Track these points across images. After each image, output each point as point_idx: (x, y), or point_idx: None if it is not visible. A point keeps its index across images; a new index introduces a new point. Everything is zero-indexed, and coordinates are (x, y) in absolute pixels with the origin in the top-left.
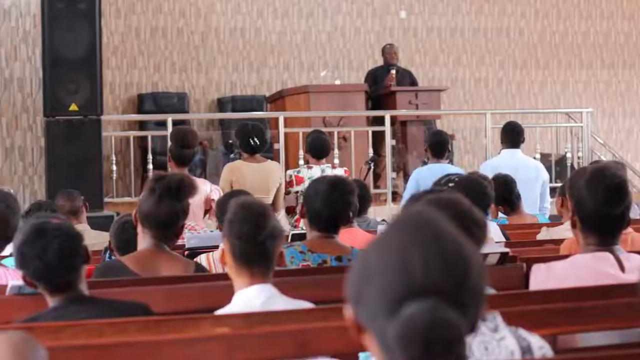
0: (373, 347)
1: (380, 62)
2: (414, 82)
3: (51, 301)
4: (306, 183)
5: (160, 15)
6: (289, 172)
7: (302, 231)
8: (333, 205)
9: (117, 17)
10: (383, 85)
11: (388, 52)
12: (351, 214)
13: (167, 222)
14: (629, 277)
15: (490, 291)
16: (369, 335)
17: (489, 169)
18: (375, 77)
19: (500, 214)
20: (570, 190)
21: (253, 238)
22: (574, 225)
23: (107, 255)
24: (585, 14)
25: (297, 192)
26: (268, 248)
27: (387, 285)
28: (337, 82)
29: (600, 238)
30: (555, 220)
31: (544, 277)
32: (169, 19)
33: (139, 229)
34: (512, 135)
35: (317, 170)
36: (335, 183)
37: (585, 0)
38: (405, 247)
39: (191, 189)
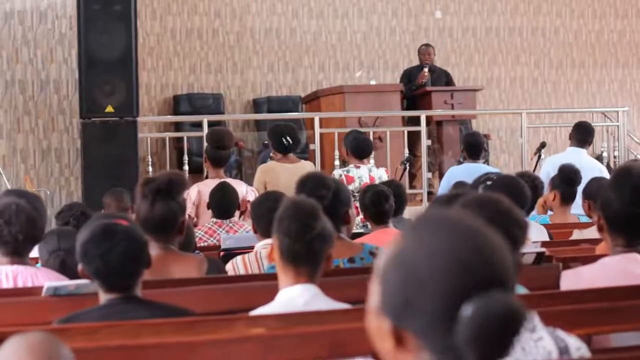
0: (417, 357)
1: (415, 61)
2: (449, 83)
3: (103, 298)
4: (357, 182)
5: (196, 16)
6: (338, 171)
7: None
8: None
9: (153, 18)
10: (415, 83)
11: (423, 52)
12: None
13: (164, 224)
14: None
15: (523, 290)
16: (414, 345)
17: (552, 165)
18: (409, 77)
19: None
20: (597, 193)
21: (301, 237)
22: (600, 229)
23: None
24: (621, 12)
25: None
26: (315, 248)
27: (449, 288)
28: (373, 82)
29: (628, 239)
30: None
31: (573, 282)
32: (205, 20)
33: None
34: (583, 134)
35: (364, 170)
36: (305, 180)
37: (621, 0)
38: (455, 245)
39: (182, 185)
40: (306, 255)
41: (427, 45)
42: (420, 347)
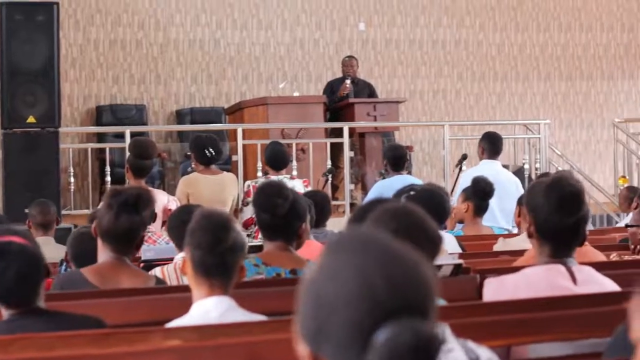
0: None
1: (339, 73)
2: (372, 95)
3: (5, 314)
4: None
5: (119, 27)
6: (248, 182)
7: (259, 243)
8: (268, 208)
9: (76, 29)
10: (337, 96)
11: (346, 64)
12: (304, 225)
13: (126, 237)
14: (581, 289)
15: (442, 302)
16: None
17: (468, 179)
18: (332, 88)
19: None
20: (528, 199)
21: (213, 249)
22: (530, 235)
23: (64, 267)
24: (543, 26)
25: None
26: (228, 260)
27: (357, 316)
28: (296, 93)
29: (554, 249)
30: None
31: (496, 290)
32: (128, 31)
33: (99, 242)
34: (495, 144)
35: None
36: (265, 186)
37: (544, 13)
38: (362, 270)
39: (149, 202)
40: (218, 268)
41: (350, 57)
42: None
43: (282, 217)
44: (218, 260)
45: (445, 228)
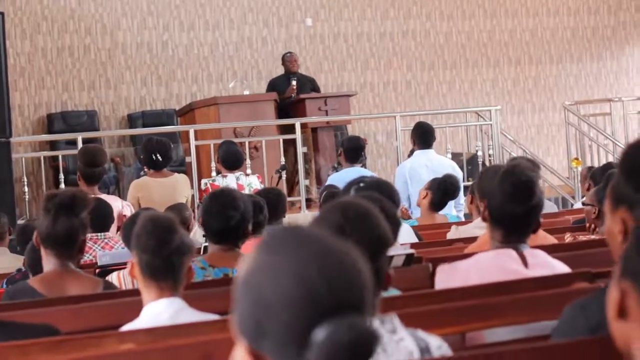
0: None
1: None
2: (315, 89)
3: None
4: None
5: (66, 34)
6: (204, 180)
7: None
8: (221, 219)
9: (23, 37)
10: (283, 97)
11: (288, 60)
12: (249, 225)
13: (66, 240)
14: (532, 273)
15: (394, 292)
16: None
17: (405, 171)
18: (274, 87)
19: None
20: (481, 184)
21: (159, 252)
22: (484, 219)
23: (15, 273)
24: (489, 12)
25: None
26: (174, 263)
27: (295, 315)
28: (246, 92)
29: (506, 234)
30: (469, 218)
31: (448, 277)
32: (75, 37)
33: (42, 251)
34: (424, 136)
35: (231, 178)
36: (218, 196)
37: (490, 0)
38: (300, 270)
39: (85, 202)
40: (166, 270)
41: (291, 53)
42: None
43: (233, 227)
44: (165, 262)
45: None
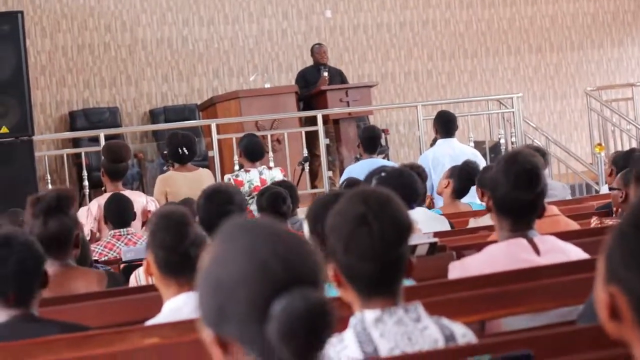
0: None
1: (309, 62)
2: (344, 81)
3: (1, 316)
4: (246, 186)
5: (86, 31)
6: (227, 176)
7: None
8: (214, 216)
9: (43, 36)
10: (314, 88)
11: (317, 51)
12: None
13: (60, 239)
14: (545, 260)
15: (409, 283)
16: (237, 350)
17: (428, 160)
18: (305, 78)
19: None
20: (485, 175)
21: (175, 247)
22: (489, 210)
23: None
24: (509, 0)
25: None
26: (192, 256)
27: (253, 292)
28: (267, 85)
29: (513, 222)
30: None
31: (460, 273)
32: (95, 35)
33: None
34: (446, 125)
35: (254, 173)
36: (210, 194)
37: None
38: (253, 251)
39: (71, 199)
40: (184, 265)
41: (320, 44)
42: (243, 351)
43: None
44: (182, 257)
45: (413, 208)
